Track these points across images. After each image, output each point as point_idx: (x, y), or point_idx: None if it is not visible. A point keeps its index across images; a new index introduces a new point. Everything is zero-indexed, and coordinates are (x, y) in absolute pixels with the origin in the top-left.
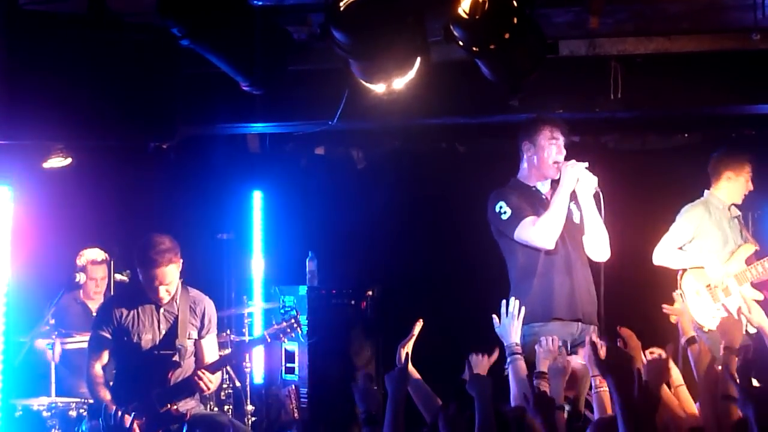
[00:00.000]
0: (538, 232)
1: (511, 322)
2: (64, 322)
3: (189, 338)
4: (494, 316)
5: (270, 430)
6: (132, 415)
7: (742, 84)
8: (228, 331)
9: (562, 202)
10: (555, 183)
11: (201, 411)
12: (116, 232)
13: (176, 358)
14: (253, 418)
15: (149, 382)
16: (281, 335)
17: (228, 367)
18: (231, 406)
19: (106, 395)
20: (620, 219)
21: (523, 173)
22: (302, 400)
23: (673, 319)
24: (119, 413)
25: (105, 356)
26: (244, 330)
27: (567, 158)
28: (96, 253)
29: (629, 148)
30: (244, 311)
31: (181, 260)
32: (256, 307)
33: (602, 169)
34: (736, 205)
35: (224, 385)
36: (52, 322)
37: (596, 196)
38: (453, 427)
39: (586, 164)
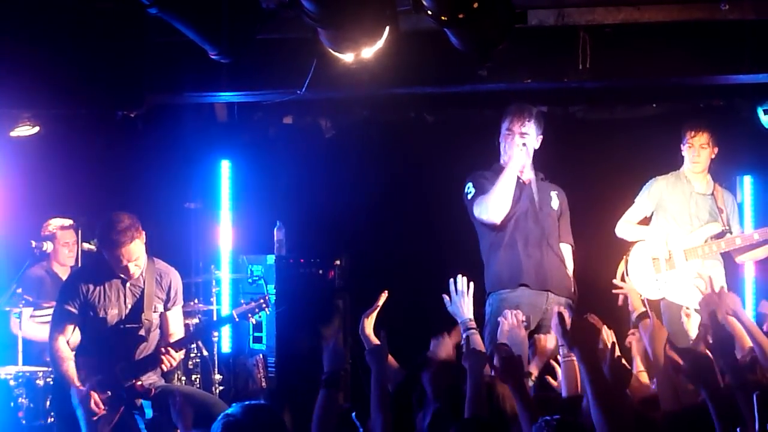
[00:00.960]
0: (485, 205)
1: (461, 299)
2: (35, 292)
3: (155, 311)
4: (444, 295)
5: (237, 399)
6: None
7: (711, 54)
8: (196, 300)
9: (506, 178)
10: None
11: (164, 384)
12: (84, 200)
13: (142, 332)
14: (221, 388)
15: (114, 356)
16: (249, 315)
17: None
18: (199, 375)
19: (69, 370)
20: (588, 190)
21: (502, 157)
22: (270, 369)
23: (620, 299)
24: (83, 389)
25: (69, 330)
26: (212, 299)
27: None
28: (62, 220)
29: (598, 118)
30: (212, 280)
31: (144, 233)
32: (223, 276)
33: (570, 140)
34: (719, 184)
35: (192, 354)
36: (19, 291)
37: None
38: (437, 383)
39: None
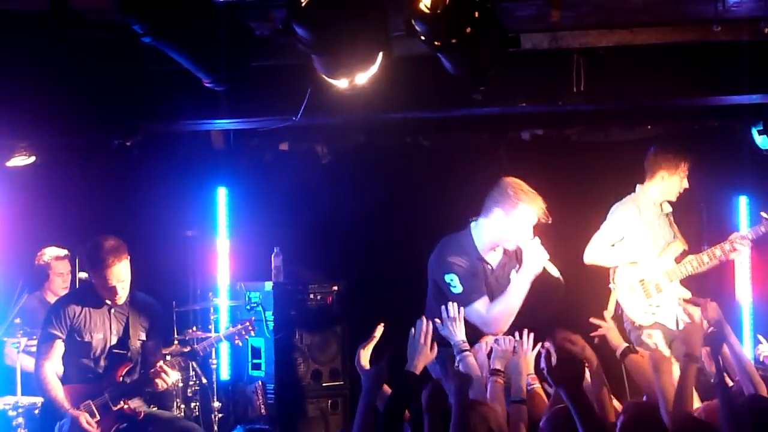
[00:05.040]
0: (492, 320)
1: (452, 324)
2: (30, 322)
3: (139, 339)
4: (436, 319)
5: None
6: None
7: (705, 75)
8: (194, 328)
9: (523, 289)
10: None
11: (153, 411)
12: (80, 229)
13: (129, 357)
14: (220, 415)
15: (101, 381)
16: (236, 337)
17: (194, 364)
18: (198, 403)
19: (57, 394)
20: (582, 213)
21: (480, 230)
22: (269, 396)
23: (597, 340)
24: (74, 412)
25: (55, 355)
26: (210, 326)
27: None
28: (57, 250)
29: (592, 140)
30: (210, 307)
31: (129, 257)
32: (221, 303)
33: (565, 162)
34: (669, 202)
35: (190, 382)
36: (17, 321)
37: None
38: (433, 404)
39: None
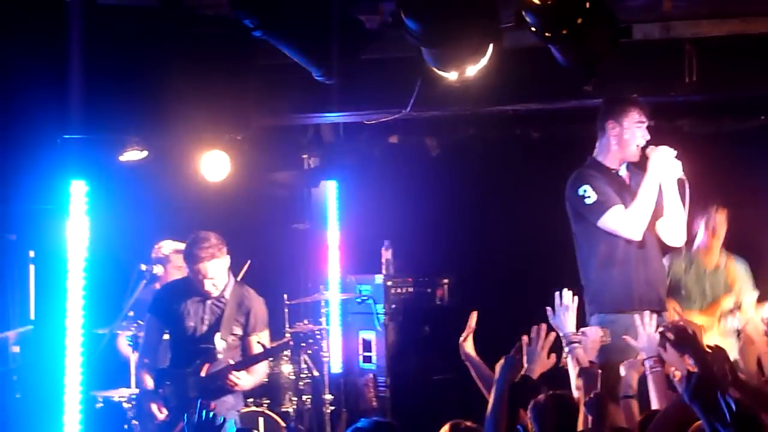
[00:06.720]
0: (627, 222)
1: (565, 312)
2: (143, 314)
3: (232, 333)
4: (548, 308)
5: (350, 420)
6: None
7: None
8: (305, 321)
9: (652, 191)
10: (632, 166)
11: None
12: (192, 224)
13: (215, 350)
14: (332, 407)
15: (186, 369)
16: (280, 351)
17: (305, 357)
18: (310, 396)
19: (147, 379)
20: (696, 204)
21: (602, 153)
22: (380, 388)
23: None
24: (147, 401)
25: (155, 341)
26: (321, 320)
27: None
28: (176, 243)
29: (705, 131)
30: (320, 301)
31: (228, 256)
32: (332, 296)
33: (678, 154)
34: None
35: (302, 375)
36: (131, 314)
37: (681, 182)
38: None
39: (675, 152)
